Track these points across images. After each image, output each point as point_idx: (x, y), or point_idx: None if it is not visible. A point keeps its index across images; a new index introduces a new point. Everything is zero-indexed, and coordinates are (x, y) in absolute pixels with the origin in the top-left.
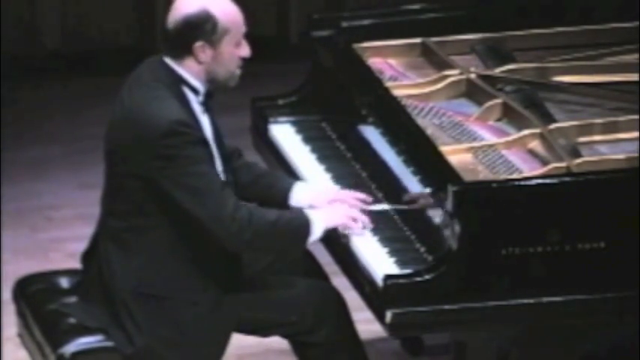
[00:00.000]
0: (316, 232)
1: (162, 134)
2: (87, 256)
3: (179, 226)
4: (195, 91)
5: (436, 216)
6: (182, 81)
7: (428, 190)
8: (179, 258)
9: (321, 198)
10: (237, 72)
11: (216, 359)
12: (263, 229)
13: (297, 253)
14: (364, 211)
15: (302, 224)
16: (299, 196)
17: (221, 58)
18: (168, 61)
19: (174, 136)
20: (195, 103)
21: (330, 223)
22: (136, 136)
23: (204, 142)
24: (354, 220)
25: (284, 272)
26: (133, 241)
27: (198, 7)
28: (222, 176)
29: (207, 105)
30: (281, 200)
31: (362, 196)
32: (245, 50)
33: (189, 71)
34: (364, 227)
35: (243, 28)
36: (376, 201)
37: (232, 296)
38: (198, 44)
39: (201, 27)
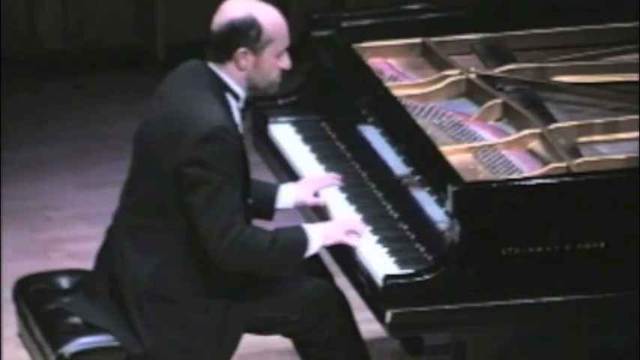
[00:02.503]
0: (312, 249)
1: (204, 138)
2: (101, 252)
3: (196, 230)
4: (236, 97)
5: (418, 194)
6: (225, 87)
7: (409, 169)
8: (194, 262)
9: (304, 192)
10: (278, 80)
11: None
12: (255, 256)
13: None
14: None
15: (297, 245)
16: (284, 199)
17: (261, 67)
18: (212, 65)
19: (215, 142)
20: (236, 109)
21: (328, 240)
22: (176, 134)
23: (240, 154)
24: (352, 233)
25: (287, 271)
26: (150, 241)
27: (245, 12)
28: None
29: (244, 113)
30: (269, 207)
31: (333, 176)
32: (286, 62)
33: (230, 76)
34: (362, 238)
35: (287, 41)
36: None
37: (242, 301)
38: (240, 50)
39: (246, 33)
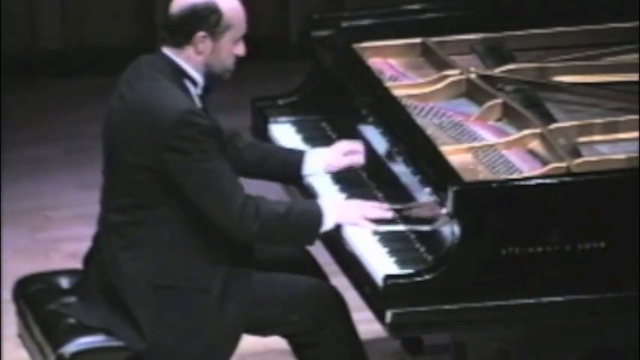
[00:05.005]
0: (327, 224)
1: (173, 125)
2: (89, 258)
3: (185, 216)
4: (194, 82)
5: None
6: (182, 72)
7: (432, 198)
8: (187, 247)
9: (334, 157)
10: (232, 67)
11: (230, 350)
12: (271, 223)
13: (309, 243)
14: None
15: (313, 217)
16: (313, 164)
17: (219, 52)
18: (168, 51)
19: (186, 127)
20: (195, 95)
21: (342, 218)
22: (144, 128)
23: (214, 130)
24: (367, 219)
25: (284, 271)
26: (140, 235)
27: None
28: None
29: (204, 100)
30: (295, 172)
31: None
32: (241, 49)
33: (187, 61)
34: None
35: (244, 28)
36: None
37: (239, 281)
38: (200, 34)
39: (207, 18)
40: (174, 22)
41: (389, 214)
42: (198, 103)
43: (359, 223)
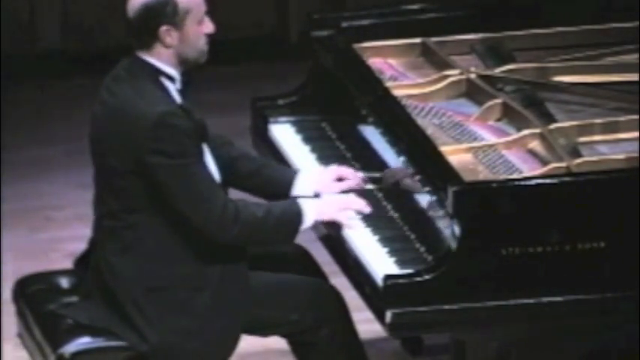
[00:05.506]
0: (306, 223)
1: (152, 127)
2: (82, 261)
3: (173, 218)
4: (171, 79)
5: (421, 199)
6: (157, 71)
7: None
8: (177, 248)
9: (324, 183)
10: (205, 48)
11: (230, 350)
12: (250, 226)
13: (289, 243)
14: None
15: (292, 218)
16: (302, 187)
17: (187, 39)
18: (140, 54)
19: (165, 129)
20: (174, 91)
21: (322, 216)
22: (125, 133)
23: (194, 131)
24: (348, 210)
25: (283, 271)
26: (131, 239)
27: None
28: (214, 168)
29: (184, 93)
30: (283, 191)
31: (359, 175)
32: (209, 27)
33: (160, 59)
34: (358, 215)
35: (203, 6)
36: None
37: (234, 277)
38: (162, 29)
39: (162, 11)
40: (134, 25)
41: (368, 209)
42: (178, 100)
43: (338, 218)
